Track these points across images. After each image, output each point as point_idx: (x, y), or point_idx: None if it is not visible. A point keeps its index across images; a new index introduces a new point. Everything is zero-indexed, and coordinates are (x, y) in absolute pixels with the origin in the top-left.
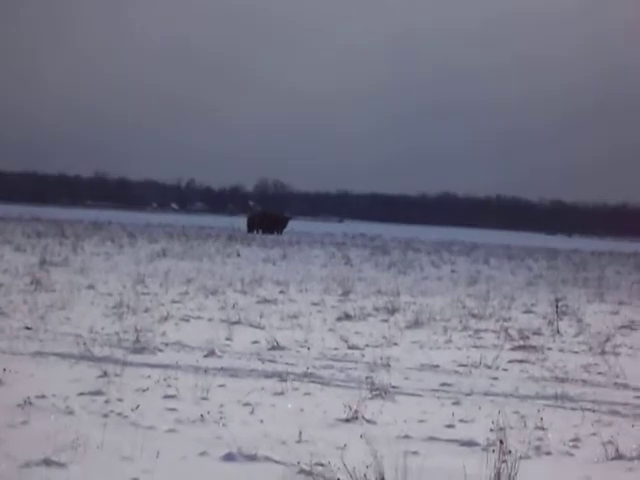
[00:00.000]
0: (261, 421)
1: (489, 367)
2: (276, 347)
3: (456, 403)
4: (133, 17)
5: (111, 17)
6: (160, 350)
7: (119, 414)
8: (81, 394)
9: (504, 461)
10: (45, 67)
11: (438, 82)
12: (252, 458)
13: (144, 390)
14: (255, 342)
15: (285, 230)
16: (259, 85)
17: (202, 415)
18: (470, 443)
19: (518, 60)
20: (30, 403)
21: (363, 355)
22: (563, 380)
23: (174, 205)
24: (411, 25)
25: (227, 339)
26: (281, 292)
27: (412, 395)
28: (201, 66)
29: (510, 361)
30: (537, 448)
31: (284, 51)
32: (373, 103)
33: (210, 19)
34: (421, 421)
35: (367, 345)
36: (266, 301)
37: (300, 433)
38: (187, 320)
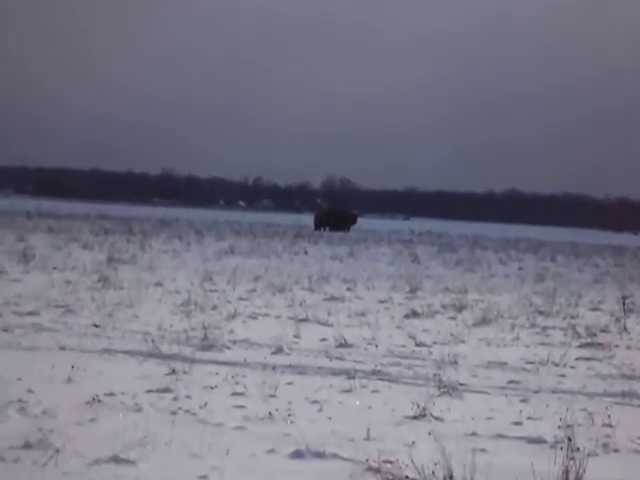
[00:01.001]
0: (329, 418)
1: (556, 364)
2: (344, 344)
3: (524, 400)
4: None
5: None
6: (228, 348)
7: (187, 411)
8: (149, 391)
9: (572, 458)
10: (110, 65)
11: (505, 77)
12: (320, 455)
13: (212, 387)
14: (323, 339)
15: (352, 227)
16: (326, 82)
17: (270, 412)
18: (538, 440)
19: (584, 47)
20: (99, 400)
21: (431, 352)
22: (630, 377)
23: (241, 202)
24: (475, 19)
25: (295, 336)
26: (348, 289)
27: (480, 392)
28: (268, 62)
29: (577, 358)
30: (605, 445)
31: (348, 48)
32: (440, 100)
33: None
34: (489, 418)
35: (435, 342)
36: (333, 298)
37: (368, 430)
38: (255, 318)
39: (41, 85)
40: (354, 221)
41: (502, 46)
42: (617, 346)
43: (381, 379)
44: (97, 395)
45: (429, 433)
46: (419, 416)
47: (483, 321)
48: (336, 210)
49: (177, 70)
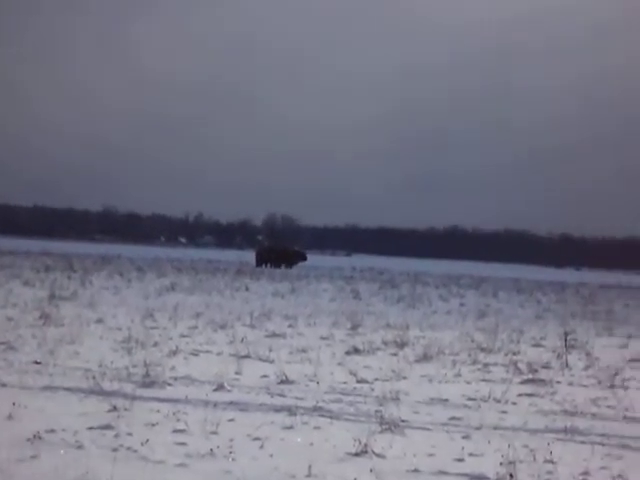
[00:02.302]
0: (271, 455)
1: (498, 401)
2: (285, 381)
3: (466, 437)
4: (137, 51)
5: (115, 51)
6: (169, 384)
7: (129, 448)
8: (91, 428)
9: None
10: (52, 102)
11: (444, 112)
12: None
13: (153, 424)
14: (264, 376)
15: (299, 265)
16: (266, 118)
17: (212, 449)
18: (480, 477)
19: (524, 86)
20: (40, 437)
21: (372, 389)
22: (572, 414)
23: (182, 239)
24: (413, 57)
25: (236, 373)
26: (290, 326)
27: (421, 429)
28: (206, 98)
29: (519, 395)
30: None
31: (289, 83)
32: (381, 135)
33: (213, 51)
34: (431, 455)
35: (376, 379)
36: (275, 335)
37: (310, 467)
38: (196, 354)
39: None
40: (303, 258)
41: (442, 83)
42: (559, 382)
43: (322, 415)
44: (38, 432)
45: (371, 470)
46: (361, 452)
47: (425, 357)
48: (278, 247)
49: (118, 106)
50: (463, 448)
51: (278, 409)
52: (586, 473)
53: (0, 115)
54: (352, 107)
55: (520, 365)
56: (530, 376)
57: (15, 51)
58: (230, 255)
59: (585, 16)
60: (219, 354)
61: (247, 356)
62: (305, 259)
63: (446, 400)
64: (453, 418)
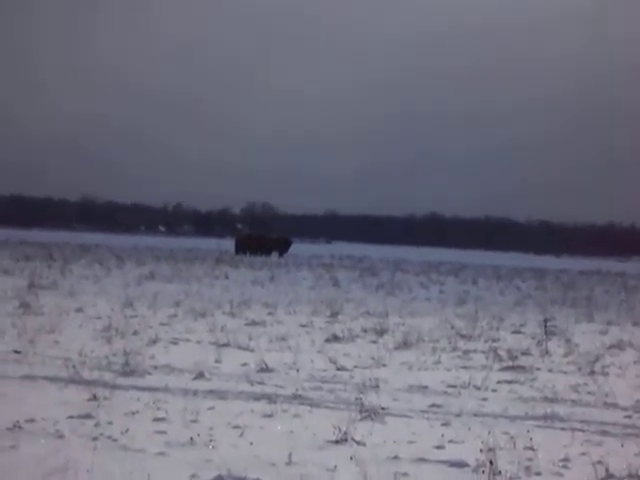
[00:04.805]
0: (251, 443)
1: (478, 388)
2: (265, 369)
3: (445, 424)
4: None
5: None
6: (149, 373)
7: (109, 437)
8: (70, 417)
9: None
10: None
11: (425, 93)
12: None
13: (133, 413)
14: (244, 364)
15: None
16: (247, 114)
17: (192, 438)
18: (460, 464)
19: (503, 68)
20: (19, 427)
21: (352, 376)
22: (552, 400)
23: (162, 228)
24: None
25: (216, 362)
26: (269, 314)
27: (401, 416)
28: (191, 90)
29: (499, 382)
30: (527, 468)
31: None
32: (359, 119)
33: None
34: (410, 442)
35: (356, 366)
36: (254, 323)
37: (290, 455)
38: (176, 343)
39: None
40: (287, 244)
41: (418, 61)
42: (539, 369)
43: (302, 403)
44: (18, 421)
45: (351, 457)
46: (341, 440)
47: (404, 345)
48: (257, 234)
49: (95, 92)
50: (443, 435)
51: (258, 397)
52: (566, 459)
53: None
54: (330, 80)
55: (500, 352)
56: (510, 363)
57: None
58: (209, 243)
59: None
60: (199, 342)
61: (227, 344)
62: (289, 246)
63: (426, 387)
64: (433, 405)
